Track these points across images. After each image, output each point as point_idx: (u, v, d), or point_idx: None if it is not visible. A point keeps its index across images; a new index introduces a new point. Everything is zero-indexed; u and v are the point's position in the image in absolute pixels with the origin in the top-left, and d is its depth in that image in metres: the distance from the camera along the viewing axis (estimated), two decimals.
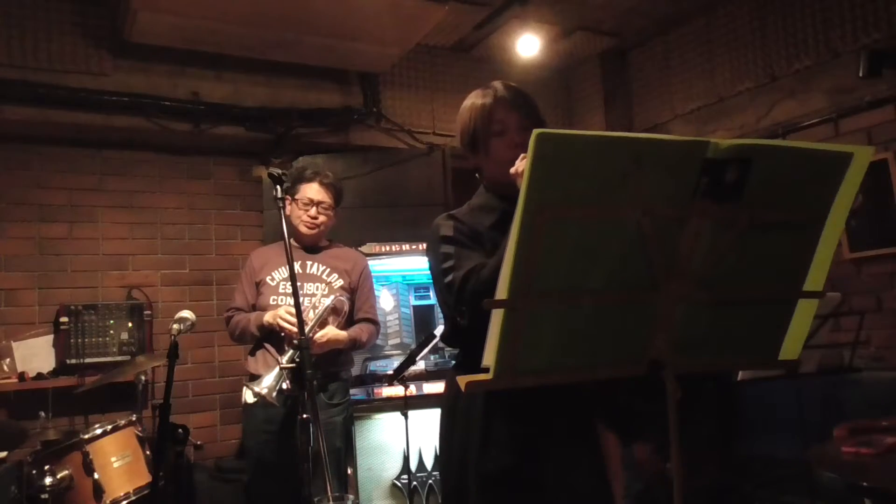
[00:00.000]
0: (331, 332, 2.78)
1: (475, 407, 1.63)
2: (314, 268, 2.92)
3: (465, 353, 1.78)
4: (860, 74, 3.37)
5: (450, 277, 1.60)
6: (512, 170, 1.57)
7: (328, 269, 2.92)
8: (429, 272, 1.76)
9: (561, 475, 1.62)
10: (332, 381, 2.89)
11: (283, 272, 2.87)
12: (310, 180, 2.89)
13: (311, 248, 2.95)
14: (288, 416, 2.81)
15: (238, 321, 2.89)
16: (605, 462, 1.76)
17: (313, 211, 2.88)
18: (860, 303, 3.50)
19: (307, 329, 2.56)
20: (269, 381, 2.55)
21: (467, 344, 1.75)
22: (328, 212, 2.93)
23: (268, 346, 2.87)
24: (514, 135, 1.68)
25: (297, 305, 2.23)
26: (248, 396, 2.89)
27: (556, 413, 1.62)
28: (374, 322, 3.00)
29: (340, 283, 2.92)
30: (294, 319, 2.56)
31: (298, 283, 2.61)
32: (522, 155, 1.60)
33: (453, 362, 1.89)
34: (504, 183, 1.65)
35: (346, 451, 3.05)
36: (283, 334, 2.71)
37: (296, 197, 2.91)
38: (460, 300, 1.56)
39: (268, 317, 2.75)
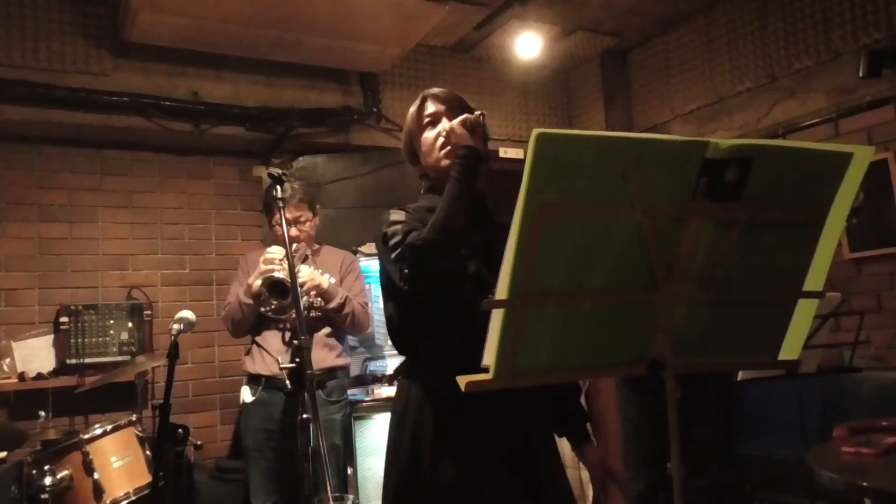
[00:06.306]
0: (311, 272, 2.83)
1: (425, 421, 1.62)
2: (307, 270, 2.94)
3: (412, 356, 1.75)
4: (860, 74, 3.38)
5: (396, 247, 1.56)
6: (437, 144, 1.66)
7: (320, 271, 2.96)
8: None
9: (511, 493, 1.61)
10: (331, 379, 2.92)
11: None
12: None
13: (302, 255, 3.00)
14: (285, 415, 2.83)
15: (230, 303, 2.95)
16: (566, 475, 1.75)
17: (294, 231, 2.93)
18: (860, 303, 3.50)
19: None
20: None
21: (412, 343, 1.72)
22: (308, 222, 3.00)
23: (261, 342, 2.92)
24: (444, 123, 1.70)
25: (297, 299, 2.23)
26: (246, 395, 2.91)
27: (506, 431, 1.61)
28: (364, 305, 3.05)
29: (333, 281, 2.96)
30: (274, 257, 2.73)
31: None
32: (443, 129, 1.67)
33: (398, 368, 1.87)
34: (440, 171, 1.67)
35: (345, 450, 3.08)
36: (270, 313, 2.77)
37: (272, 222, 2.97)
38: (401, 259, 1.53)
39: (255, 273, 2.77)
